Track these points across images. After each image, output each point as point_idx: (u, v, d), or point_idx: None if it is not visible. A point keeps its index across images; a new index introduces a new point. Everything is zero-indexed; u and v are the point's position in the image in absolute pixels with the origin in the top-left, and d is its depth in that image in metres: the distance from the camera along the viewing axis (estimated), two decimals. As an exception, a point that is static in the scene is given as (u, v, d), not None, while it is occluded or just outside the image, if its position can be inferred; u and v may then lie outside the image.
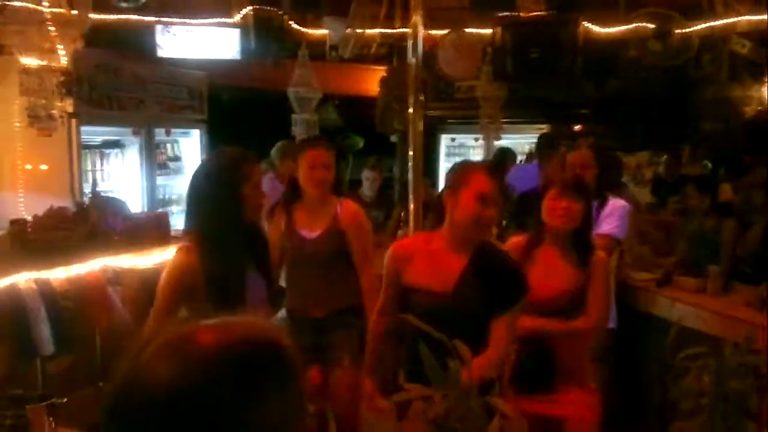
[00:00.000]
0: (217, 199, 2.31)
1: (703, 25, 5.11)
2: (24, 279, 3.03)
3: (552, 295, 2.55)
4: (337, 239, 3.06)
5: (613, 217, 3.24)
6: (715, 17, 5.05)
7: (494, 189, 2.26)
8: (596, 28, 5.56)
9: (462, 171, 2.35)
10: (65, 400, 2.22)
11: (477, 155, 7.47)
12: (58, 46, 3.87)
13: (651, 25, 5.13)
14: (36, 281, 3.05)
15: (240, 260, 2.36)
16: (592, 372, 2.72)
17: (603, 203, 3.23)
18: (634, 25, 5.27)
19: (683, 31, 5.12)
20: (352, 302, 3.05)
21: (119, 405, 0.78)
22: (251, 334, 0.83)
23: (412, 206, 3.50)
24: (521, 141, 7.40)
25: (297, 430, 0.82)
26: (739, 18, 4.95)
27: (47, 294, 3.06)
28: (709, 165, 5.80)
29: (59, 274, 3.12)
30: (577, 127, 6.95)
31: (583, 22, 5.49)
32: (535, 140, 7.47)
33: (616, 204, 3.29)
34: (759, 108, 5.25)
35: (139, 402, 0.75)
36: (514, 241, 2.77)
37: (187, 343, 0.79)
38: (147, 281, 3.52)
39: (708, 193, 4.11)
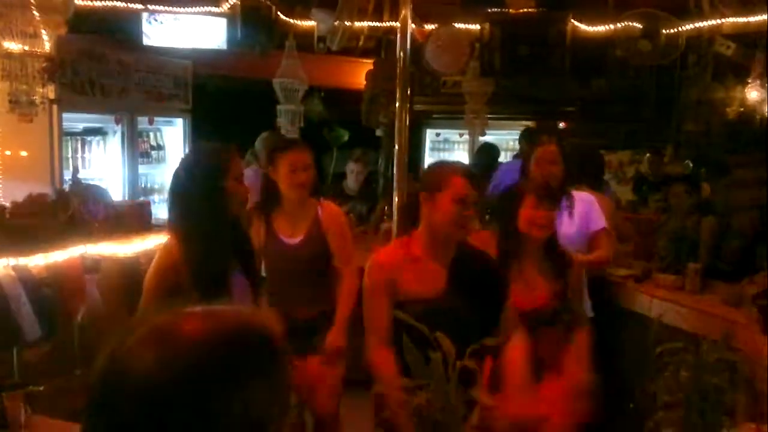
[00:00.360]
0: (199, 194, 2.28)
1: (689, 26, 5.15)
2: (2, 265, 2.99)
3: (537, 305, 2.55)
4: (320, 243, 3.02)
5: (594, 212, 3.29)
6: (701, 18, 5.09)
7: (472, 191, 2.26)
8: (584, 27, 5.58)
9: (439, 173, 2.33)
10: (42, 388, 2.20)
11: (462, 150, 7.49)
12: (42, 31, 3.82)
13: (638, 25, 5.16)
14: (14, 267, 3.01)
15: (224, 256, 2.33)
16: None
17: (568, 198, 3.23)
18: (622, 24, 5.30)
19: (670, 31, 5.15)
20: (335, 304, 3.02)
21: (103, 393, 0.76)
22: (239, 321, 0.82)
23: (396, 200, 3.49)
24: (506, 137, 7.43)
25: (282, 419, 0.81)
26: (724, 20, 4.99)
27: (26, 280, 3.02)
28: (691, 164, 5.86)
29: (38, 261, 3.09)
30: (561, 125, 6.99)
31: (572, 20, 5.51)
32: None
33: (583, 197, 3.30)
34: (741, 109, 5.30)
35: (125, 389, 0.74)
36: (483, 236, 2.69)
37: (174, 331, 0.78)
38: (127, 270, 3.50)
39: (694, 192, 4.15)
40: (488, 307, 2.26)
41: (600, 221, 3.27)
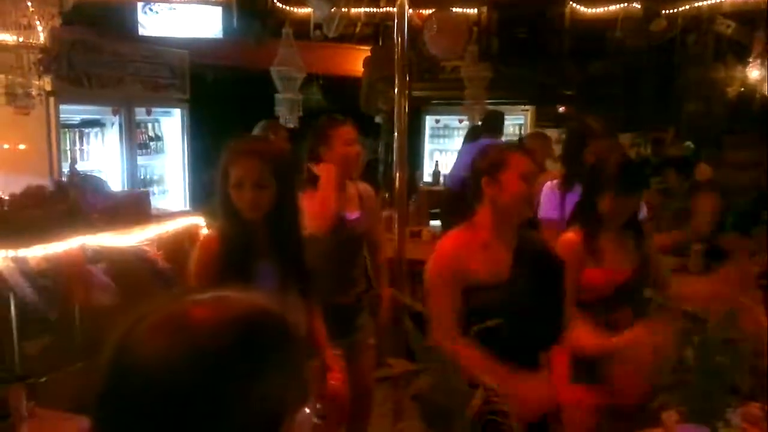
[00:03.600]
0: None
1: (689, 6, 5.11)
2: (1, 257, 2.98)
3: (622, 279, 2.51)
4: (368, 220, 3.08)
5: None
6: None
7: (533, 166, 2.28)
8: (582, 9, 5.54)
9: (498, 154, 2.30)
10: (44, 380, 2.19)
11: (462, 137, 7.45)
12: (36, 22, 3.78)
13: (637, 5, 5.13)
14: (13, 259, 3.00)
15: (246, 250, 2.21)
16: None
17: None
18: (620, 5, 5.26)
19: (669, 11, 5.12)
20: (370, 284, 3.13)
21: (113, 383, 0.74)
22: (252, 307, 0.80)
23: (397, 187, 3.47)
24: (505, 122, 7.38)
25: (298, 406, 0.79)
26: (724, -1, 4.95)
27: (25, 273, 3.00)
28: (692, 146, 5.84)
29: (37, 253, 3.07)
30: (561, 109, 6.95)
31: (570, 2, 5.47)
32: (520, 121, 7.50)
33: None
34: (741, 89, 5.26)
35: (137, 379, 0.72)
36: (569, 237, 2.58)
37: (186, 318, 0.76)
38: (127, 260, 3.49)
39: (687, 174, 4.13)
40: (551, 294, 2.24)
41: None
